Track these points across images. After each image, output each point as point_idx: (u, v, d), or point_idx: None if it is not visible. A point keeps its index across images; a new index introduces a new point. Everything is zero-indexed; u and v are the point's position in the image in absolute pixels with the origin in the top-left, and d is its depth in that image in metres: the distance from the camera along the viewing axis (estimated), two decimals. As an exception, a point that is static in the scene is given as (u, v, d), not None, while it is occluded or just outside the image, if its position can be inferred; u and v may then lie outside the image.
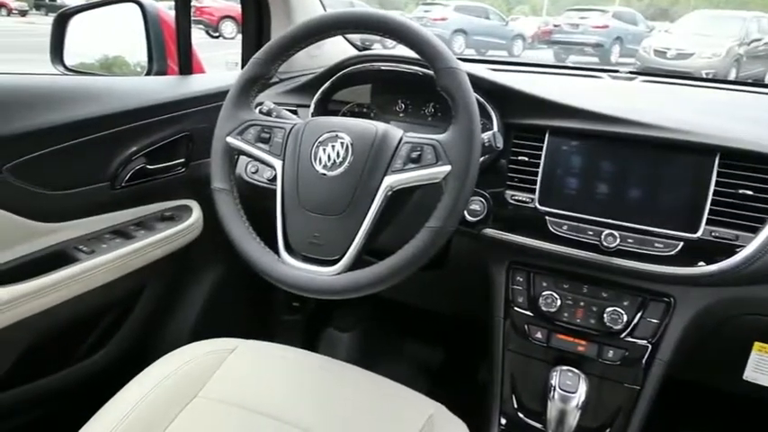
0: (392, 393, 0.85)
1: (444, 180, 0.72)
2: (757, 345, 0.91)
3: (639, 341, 0.92)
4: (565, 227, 0.92)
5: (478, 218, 0.96)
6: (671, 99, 1.18)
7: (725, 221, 0.84)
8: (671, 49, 8.45)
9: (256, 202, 0.93)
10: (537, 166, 0.95)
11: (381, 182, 0.75)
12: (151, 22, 1.26)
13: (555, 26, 11.27)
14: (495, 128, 0.97)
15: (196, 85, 1.23)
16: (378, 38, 0.89)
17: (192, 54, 1.28)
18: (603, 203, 0.91)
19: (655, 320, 0.92)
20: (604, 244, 0.89)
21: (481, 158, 0.76)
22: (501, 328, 1.02)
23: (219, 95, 0.86)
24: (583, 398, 0.88)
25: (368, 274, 0.74)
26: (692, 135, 0.86)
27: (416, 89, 1.08)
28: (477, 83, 0.94)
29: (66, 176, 0.97)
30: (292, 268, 0.78)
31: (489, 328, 1.05)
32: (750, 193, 0.84)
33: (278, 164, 0.81)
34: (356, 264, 0.76)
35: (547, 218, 0.94)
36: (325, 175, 0.78)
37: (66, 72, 1.29)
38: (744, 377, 0.93)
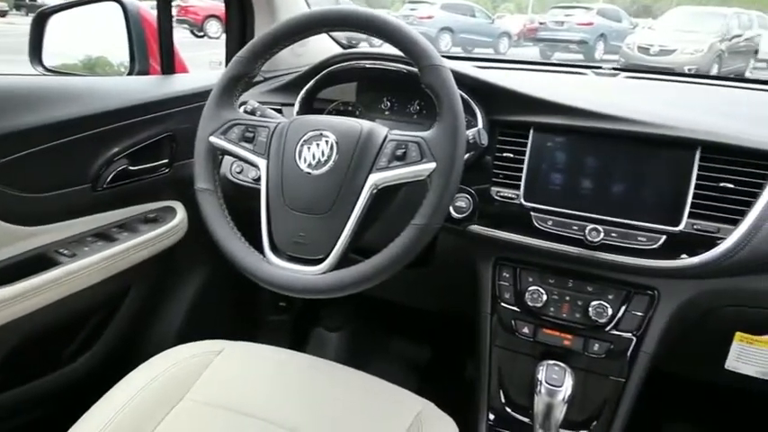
0: (380, 391, 0.85)
1: (429, 177, 0.73)
2: (738, 335, 0.92)
3: (624, 334, 0.93)
4: (550, 222, 0.93)
5: (464, 215, 0.96)
6: (653, 94, 1.20)
7: (706, 214, 0.85)
8: (654, 46, 8.55)
9: (242, 203, 0.93)
10: (522, 162, 0.96)
11: (366, 180, 0.75)
12: (132, 22, 1.24)
13: (540, 24, 11.34)
14: (480, 124, 0.97)
15: (179, 84, 1.21)
16: (364, 36, 0.89)
17: (175, 53, 1.27)
18: (588, 198, 0.92)
19: (639, 313, 0.93)
20: (589, 238, 0.89)
21: (466, 155, 0.76)
22: (488, 324, 1.03)
23: (203, 95, 0.85)
24: (569, 391, 0.89)
25: (353, 273, 0.74)
26: (673, 130, 0.87)
27: (402, 87, 1.08)
28: (462, 80, 0.94)
29: (47, 179, 0.95)
30: (277, 268, 0.77)
31: (476, 324, 1.05)
32: (731, 186, 0.85)
33: (262, 163, 0.81)
34: (342, 262, 0.76)
35: (532, 214, 0.94)
36: (309, 173, 0.78)
37: (45, 72, 1.27)
38: (726, 367, 0.94)
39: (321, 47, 1.40)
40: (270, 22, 1.30)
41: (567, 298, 0.95)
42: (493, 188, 0.98)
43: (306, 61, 1.23)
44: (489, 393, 1.03)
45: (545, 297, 0.95)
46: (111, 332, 1.13)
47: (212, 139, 0.83)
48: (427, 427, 0.78)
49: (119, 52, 1.31)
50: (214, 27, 10.48)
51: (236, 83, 0.85)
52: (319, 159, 0.77)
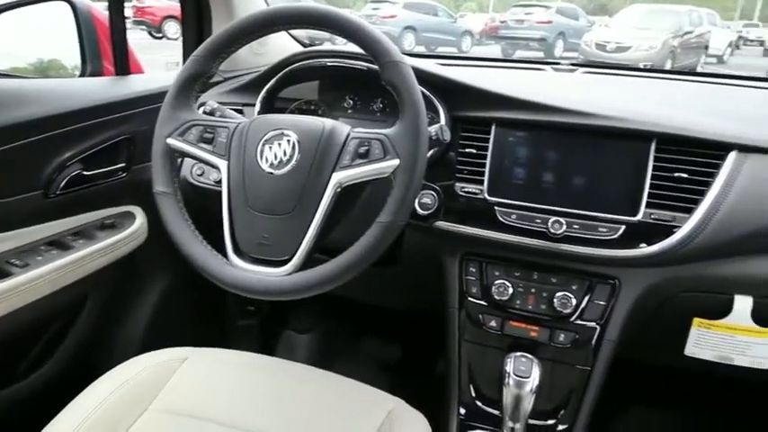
0: (351, 391, 0.85)
1: (393, 174, 0.72)
2: (696, 320, 0.95)
3: (588, 323, 0.95)
4: (513, 216, 0.94)
5: (430, 211, 0.96)
6: (610, 89, 1.23)
7: (663, 204, 0.88)
8: (610, 43, 8.82)
9: (204, 205, 0.91)
10: (485, 157, 0.97)
11: (330, 179, 0.75)
12: (83, 21, 1.20)
13: (501, 22, 11.52)
14: (443, 121, 0.97)
15: (134, 85, 1.18)
16: (327, 36, 0.88)
17: (130, 54, 1.23)
18: (549, 191, 0.94)
19: (602, 302, 0.95)
20: (551, 231, 0.91)
21: (430, 152, 0.77)
22: (456, 319, 1.03)
23: (161, 96, 0.83)
24: (536, 382, 0.90)
25: (319, 273, 0.73)
26: (629, 122, 0.89)
27: (364, 85, 1.08)
28: (424, 77, 0.94)
29: None
30: (241, 270, 0.76)
31: (445, 319, 1.06)
32: (685, 176, 0.88)
33: (223, 164, 0.79)
34: (307, 263, 0.75)
35: (496, 208, 0.95)
36: (272, 173, 0.76)
37: (-9, 75, 1.22)
38: (685, 352, 0.97)
39: (282, 46, 1.38)
40: (228, 20, 1.28)
41: (533, 290, 0.97)
42: (457, 184, 0.98)
43: (266, 61, 1.21)
44: (459, 388, 1.04)
45: (511, 290, 0.97)
46: (70, 344, 1.09)
47: (170, 140, 0.81)
48: (398, 424, 0.78)
49: (72, 54, 1.26)
50: (173, 28, 10.23)
51: (193, 82, 0.83)
52: (281, 159, 0.76)
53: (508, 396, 0.91)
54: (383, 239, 0.72)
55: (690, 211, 0.87)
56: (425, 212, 0.97)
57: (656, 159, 0.88)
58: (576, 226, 0.91)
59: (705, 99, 1.15)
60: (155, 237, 1.15)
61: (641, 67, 1.79)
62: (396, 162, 0.72)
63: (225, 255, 0.78)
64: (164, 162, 0.81)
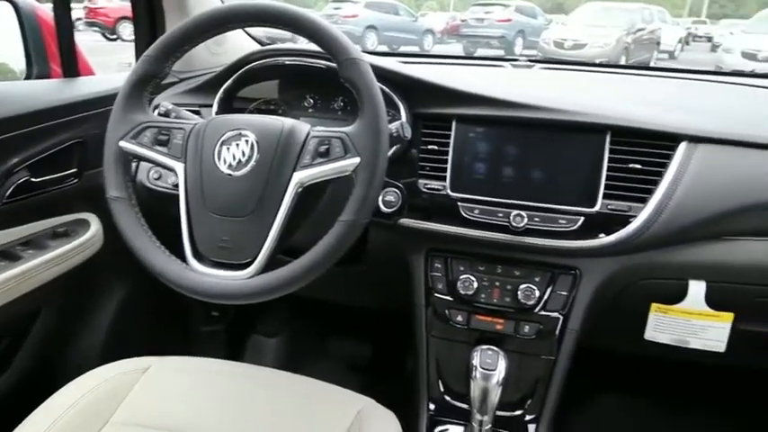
0: (320, 393, 0.84)
1: (354, 172, 0.72)
2: (654, 306, 0.98)
3: (552, 314, 0.97)
4: (476, 211, 0.95)
5: (393, 208, 0.96)
6: (566, 84, 1.25)
7: (618, 195, 0.90)
8: (567, 40, 9.07)
9: (162, 210, 0.88)
10: (446, 154, 0.97)
11: (290, 178, 0.73)
12: (27, 22, 1.15)
13: (462, 21, 11.67)
14: (404, 118, 0.97)
15: (84, 87, 1.13)
16: (289, 35, 0.86)
17: (78, 55, 1.18)
18: (510, 186, 0.95)
19: (564, 293, 0.97)
20: (513, 224, 0.92)
21: (391, 149, 0.76)
22: (423, 316, 1.04)
23: (113, 98, 0.80)
24: (503, 374, 0.91)
25: (282, 274, 0.72)
26: (585, 116, 0.91)
27: (325, 84, 1.06)
28: (384, 74, 0.94)
29: None
30: (202, 275, 0.74)
31: (412, 316, 1.06)
32: (639, 167, 0.90)
33: (179, 167, 0.77)
34: (270, 265, 0.74)
35: (459, 204, 0.96)
36: (230, 175, 0.75)
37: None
38: (645, 337, 1.00)
39: (239, 45, 1.36)
40: (181, 19, 1.24)
41: (497, 283, 0.98)
42: (420, 181, 0.99)
43: (224, 60, 1.19)
44: (428, 384, 1.05)
45: (476, 284, 0.97)
46: (23, 358, 1.04)
47: (122, 143, 0.78)
48: (368, 424, 0.78)
49: (20, 56, 1.21)
50: (128, 30, 9.90)
51: (145, 83, 0.80)
52: (240, 160, 0.75)
53: (476, 389, 0.92)
54: (346, 238, 0.71)
55: (644, 201, 0.89)
56: (389, 210, 0.96)
57: (611, 152, 0.91)
58: (537, 219, 0.92)
59: (657, 93, 1.18)
60: (111, 244, 1.11)
61: (597, 62, 1.84)
62: (356, 160, 0.71)
63: (185, 260, 0.76)
64: (116, 166, 0.78)
